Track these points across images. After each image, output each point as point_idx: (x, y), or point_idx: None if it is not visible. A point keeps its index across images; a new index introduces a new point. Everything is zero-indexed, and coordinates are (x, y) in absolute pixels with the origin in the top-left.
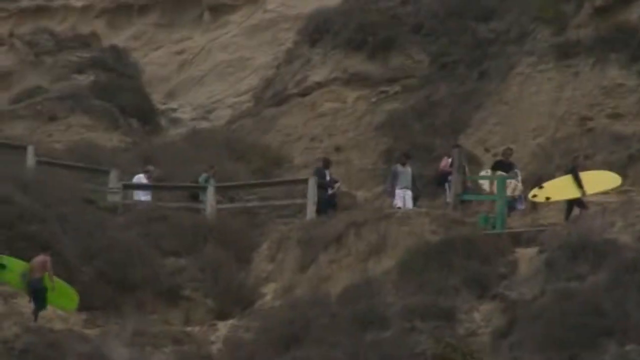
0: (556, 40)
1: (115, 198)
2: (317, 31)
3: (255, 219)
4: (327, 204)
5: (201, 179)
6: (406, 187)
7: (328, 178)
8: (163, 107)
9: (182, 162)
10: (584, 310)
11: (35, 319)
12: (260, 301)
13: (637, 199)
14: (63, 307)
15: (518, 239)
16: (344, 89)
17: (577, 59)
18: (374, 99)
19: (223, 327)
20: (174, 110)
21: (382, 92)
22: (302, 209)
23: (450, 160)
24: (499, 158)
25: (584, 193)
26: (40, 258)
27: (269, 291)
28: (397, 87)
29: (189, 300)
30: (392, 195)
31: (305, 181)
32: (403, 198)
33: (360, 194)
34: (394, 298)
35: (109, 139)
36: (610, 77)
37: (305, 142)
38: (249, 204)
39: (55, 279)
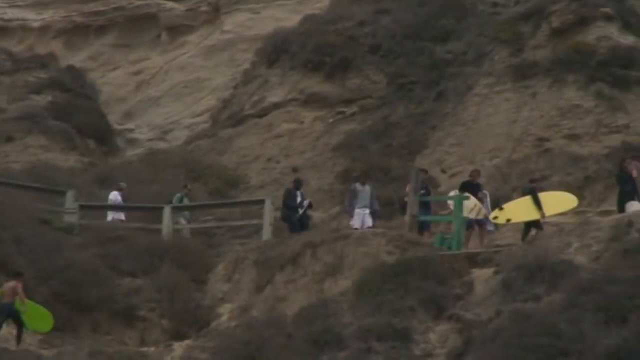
0: (514, 61)
1: (71, 219)
2: (275, 52)
3: (212, 239)
4: (297, 226)
5: (175, 198)
6: (365, 206)
7: (299, 199)
8: (120, 127)
9: (139, 183)
10: (540, 331)
11: (17, 344)
12: (216, 321)
13: (594, 219)
14: (38, 329)
15: (474, 260)
16: (301, 110)
17: (534, 79)
18: (331, 120)
19: (179, 348)
20: (131, 130)
21: (340, 112)
22: (258, 229)
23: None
24: (466, 179)
25: (543, 215)
26: (10, 283)
27: (225, 312)
28: (354, 108)
29: (144, 321)
30: (350, 214)
31: (261, 202)
32: (362, 217)
33: (317, 215)
34: (350, 319)
35: (66, 160)
36: (567, 98)
37: (262, 163)
38: (206, 225)
39: (28, 301)
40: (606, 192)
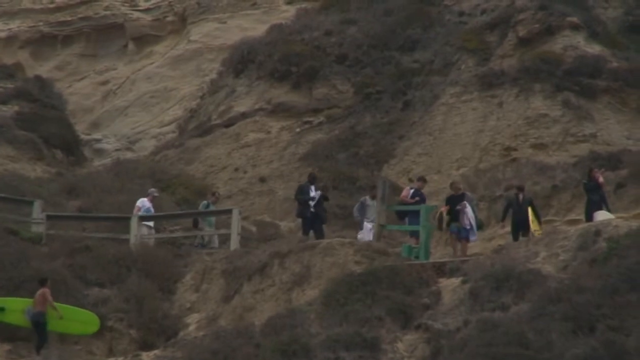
0: (480, 70)
1: (39, 229)
2: (242, 62)
3: (180, 249)
4: (312, 221)
5: (202, 205)
6: (372, 221)
7: (313, 194)
8: (87, 137)
9: (107, 193)
10: (508, 340)
11: (37, 353)
12: (184, 331)
13: (561, 228)
14: (82, 332)
15: (442, 269)
16: (268, 120)
17: (501, 89)
18: (298, 130)
19: (147, 358)
20: (98, 140)
21: (306, 122)
22: (226, 239)
23: (412, 191)
24: (450, 193)
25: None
26: (40, 291)
27: (192, 321)
28: (321, 118)
29: (112, 331)
30: (361, 226)
31: (229, 212)
32: (369, 232)
33: (285, 225)
34: (317, 328)
35: (33, 170)
36: (534, 107)
37: (229, 173)
38: (174, 235)
39: (69, 307)
40: (573, 201)
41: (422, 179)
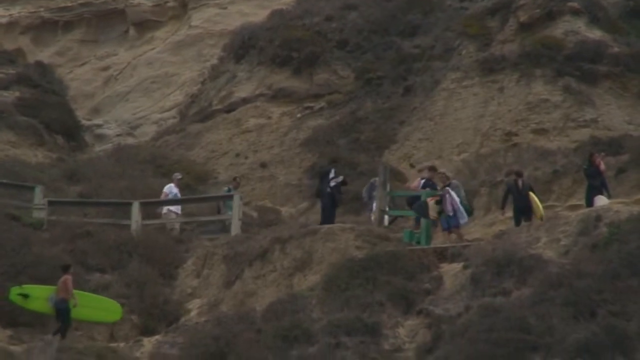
0: (481, 55)
1: (40, 214)
2: (242, 47)
3: (181, 234)
4: (330, 210)
5: (224, 190)
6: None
7: (332, 176)
8: (88, 123)
9: (107, 178)
10: (509, 325)
11: (62, 337)
12: (185, 317)
13: (562, 214)
14: (104, 320)
15: (443, 255)
16: (269, 105)
17: (502, 74)
18: (299, 115)
19: (148, 343)
20: (99, 126)
21: (307, 108)
22: (227, 224)
23: (423, 181)
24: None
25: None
26: (62, 278)
27: (194, 307)
28: (322, 103)
29: None
30: (370, 206)
31: (230, 197)
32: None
33: (286, 210)
34: (319, 314)
35: (34, 155)
36: (535, 93)
37: (230, 158)
38: (175, 220)
39: (91, 294)
40: (574, 187)
41: (433, 168)
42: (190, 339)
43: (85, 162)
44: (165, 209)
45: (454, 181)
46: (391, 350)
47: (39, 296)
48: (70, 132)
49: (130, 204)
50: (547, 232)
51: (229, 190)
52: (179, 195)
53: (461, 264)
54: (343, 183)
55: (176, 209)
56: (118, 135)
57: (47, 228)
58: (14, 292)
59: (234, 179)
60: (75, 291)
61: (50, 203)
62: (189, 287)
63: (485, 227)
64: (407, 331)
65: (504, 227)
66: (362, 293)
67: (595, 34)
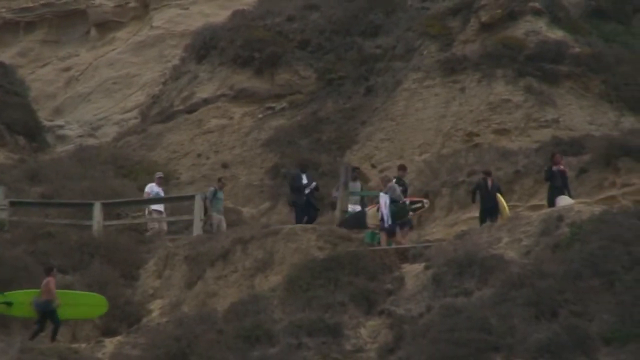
0: (442, 55)
1: (2, 215)
2: (204, 48)
3: (142, 235)
4: (303, 210)
5: (209, 192)
6: (355, 203)
7: (305, 181)
8: (50, 124)
9: (69, 179)
10: (471, 325)
11: (53, 339)
12: (147, 318)
13: (524, 214)
14: (91, 315)
15: (405, 255)
16: (230, 105)
17: (463, 74)
18: (260, 115)
19: (110, 344)
20: (61, 127)
21: (269, 108)
22: (188, 225)
23: (394, 179)
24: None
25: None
26: (45, 280)
27: (155, 308)
28: (283, 103)
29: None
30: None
31: (192, 197)
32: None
33: (247, 210)
34: (280, 314)
35: None
36: (496, 93)
37: (192, 159)
38: (136, 221)
39: (73, 292)
40: (536, 187)
41: (403, 167)
42: (152, 340)
43: (47, 163)
44: (148, 208)
45: (389, 184)
46: (353, 351)
47: (22, 302)
48: (32, 132)
49: (91, 205)
50: (509, 232)
51: (215, 191)
52: (161, 193)
53: (423, 265)
54: (316, 189)
55: (160, 207)
56: (80, 136)
57: (9, 229)
58: None
59: (219, 179)
60: (59, 291)
61: (12, 204)
62: (151, 288)
63: (447, 228)
64: (369, 331)
65: (465, 227)
66: (323, 293)
67: (557, 34)
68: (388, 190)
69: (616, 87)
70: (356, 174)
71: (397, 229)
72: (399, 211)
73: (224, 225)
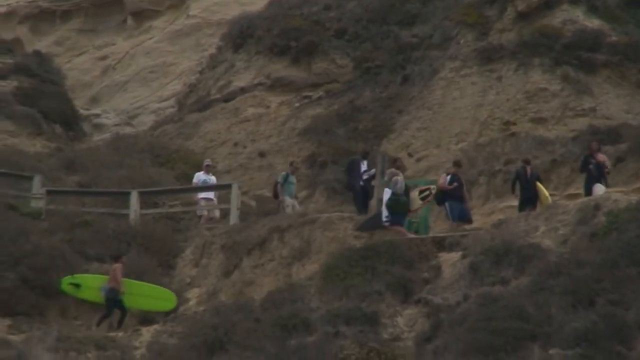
0: (479, 44)
1: (38, 204)
2: (241, 36)
3: (179, 224)
4: (361, 195)
5: (280, 177)
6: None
7: (365, 168)
8: (86, 112)
9: (106, 168)
10: (508, 314)
11: (119, 327)
12: (184, 306)
13: (560, 203)
14: (159, 308)
15: (441, 244)
16: (267, 94)
17: (500, 63)
18: (297, 104)
19: (147, 333)
20: (97, 115)
21: (306, 97)
22: (225, 214)
23: (448, 177)
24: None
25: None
26: (113, 267)
27: (192, 296)
28: (320, 92)
29: None
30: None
31: (228, 186)
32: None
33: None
34: (317, 303)
35: (32, 145)
36: (533, 82)
37: (228, 148)
38: (173, 209)
39: (146, 283)
40: (573, 176)
41: (457, 164)
42: (189, 329)
43: (83, 152)
44: (199, 196)
45: (394, 177)
46: (390, 340)
47: (90, 286)
48: (69, 121)
49: (128, 194)
50: (546, 221)
51: (287, 175)
52: (209, 180)
53: (460, 253)
54: (374, 177)
55: (210, 195)
56: (116, 125)
57: (46, 217)
58: (66, 282)
59: (291, 163)
60: (129, 281)
61: (49, 192)
62: (188, 277)
63: (484, 216)
64: (405, 320)
65: (502, 216)
66: (360, 282)
67: (594, 22)
68: (391, 183)
69: None
70: (399, 163)
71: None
72: (393, 205)
73: (297, 209)
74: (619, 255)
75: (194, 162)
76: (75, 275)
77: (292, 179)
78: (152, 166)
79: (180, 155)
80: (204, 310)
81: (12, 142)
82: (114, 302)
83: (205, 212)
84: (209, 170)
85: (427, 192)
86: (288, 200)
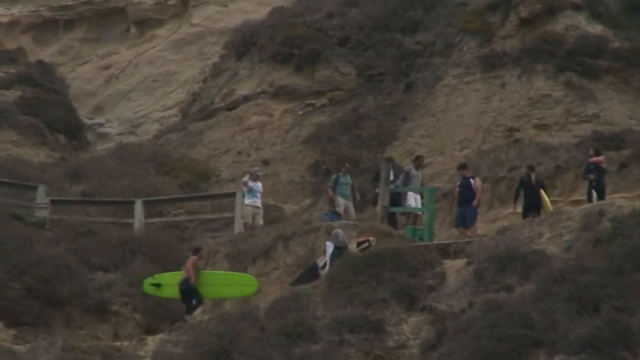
0: (482, 51)
1: (43, 213)
2: (244, 45)
3: (183, 233)
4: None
5: (331, 181)
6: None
7: (392, 178)
8: (90, 122)
9: (110, 177)
10: (513, 321)
11: (190, 313)
12: (189, 315)
13: (565, 209)
14: (241, 294)
15: (446, 251)
16: (270, 102)
17: (503, 70)
18: (300, 112)
19: (152, 342)
20: (101, 125)
21: (309, 105)
22: (230, 222)
23: (458, 182)
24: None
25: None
26: (188, 259)
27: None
28: (323, 100)
29: (117, 315)
30: (402, 196)
31: (232, 195)
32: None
33: (288, 207)
34: (322, 311)
35: (36, 155)
36: (536, 88)
37: (232, 156)
38: (177, 218)
39: (223, 272)
40: (577, 182)
41: (461, 166)
42: (194, 337)
43: (87, 161)
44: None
45: (333, 231)
46: (395, 347)
47: (170, 283)
48: (72, 131)
49: (133, 203)
50: (550, 227)
51: (337, 177)
52: (255, 187)
53: (464, 260)
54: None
55: (255, 202)
56: (120, 134)
57: (50, 227)
58: (147, 283)
59: (344, 164)
60: (206, 272)
61: (53, 202)
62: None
63: (488, 223)
64: (411, 328)
65: (506, 223)
66: (365, 290)
67: (596, 28)
68: (332, 237)
69: None
70: (420, 161)
71: None
72: (337, 257)
73: (351, 210)
74: (624, 261)
75: (198, 170)
76: (155, 275)
77: (344, 179)
78: (156, 175)
79: (184, 164)
80: (209, 318)
81: (16, 152)
82: (188, 292)
83: (249, 220)
84: (257, 178)
85: (366, 244)
86: (340, 200)
